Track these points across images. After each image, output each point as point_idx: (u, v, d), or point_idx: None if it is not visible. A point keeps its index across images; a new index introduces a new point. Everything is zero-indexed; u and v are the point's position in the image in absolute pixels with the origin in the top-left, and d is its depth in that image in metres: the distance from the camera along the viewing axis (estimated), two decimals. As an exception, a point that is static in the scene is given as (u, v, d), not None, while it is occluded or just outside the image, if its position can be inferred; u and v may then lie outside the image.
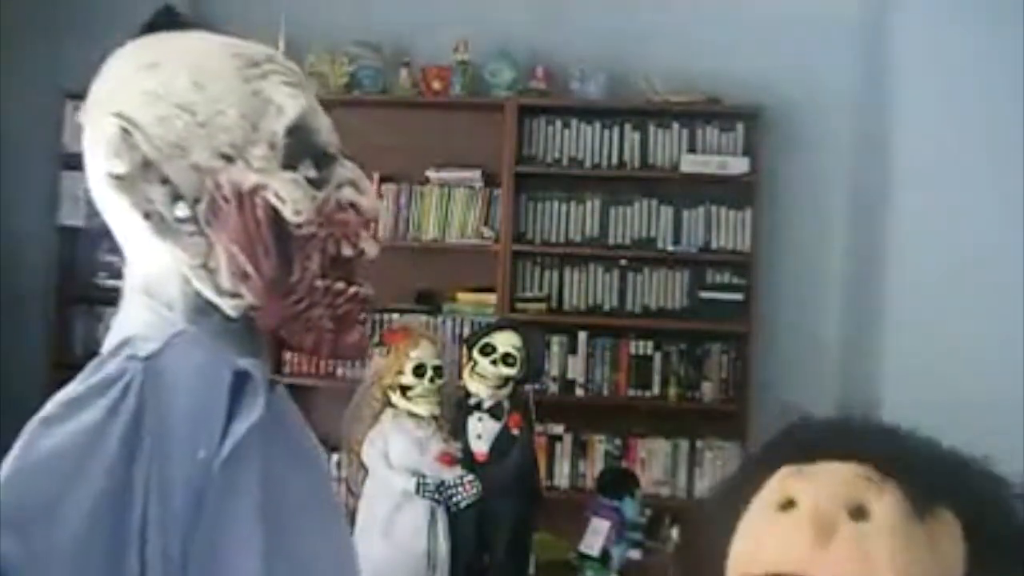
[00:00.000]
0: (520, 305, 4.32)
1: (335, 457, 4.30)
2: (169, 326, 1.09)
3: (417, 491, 2.93)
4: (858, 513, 0.65)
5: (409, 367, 3.00)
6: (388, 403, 3.03)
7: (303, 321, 1.12)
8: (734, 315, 4.22)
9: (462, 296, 4.40)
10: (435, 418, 3.03)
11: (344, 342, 1.15)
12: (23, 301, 4.54)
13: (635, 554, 3.26)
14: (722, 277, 4.35)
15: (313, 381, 4.42)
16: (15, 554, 0.96)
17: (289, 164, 1.09)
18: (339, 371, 4.41)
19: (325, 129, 1.14)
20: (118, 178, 1.08)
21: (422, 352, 3.02)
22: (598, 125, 4.38)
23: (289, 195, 1.07)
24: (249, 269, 1.08)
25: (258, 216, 1.07)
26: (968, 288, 3.68)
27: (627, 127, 4.37)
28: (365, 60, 4.39)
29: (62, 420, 1.02)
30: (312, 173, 1.11)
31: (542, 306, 4.35)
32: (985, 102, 3.72)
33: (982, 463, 0.70)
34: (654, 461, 4.32)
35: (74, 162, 5.39)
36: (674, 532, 3.40)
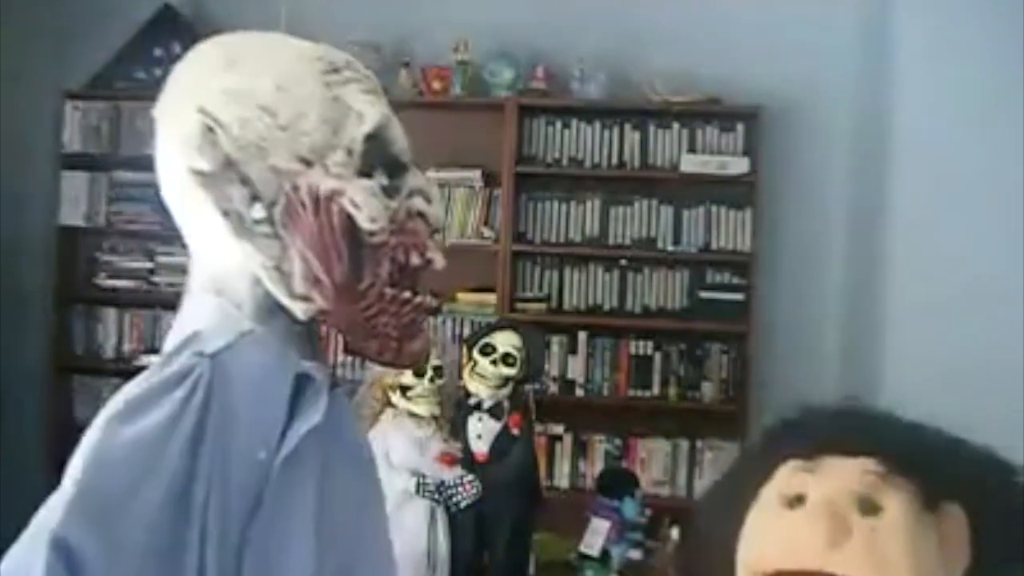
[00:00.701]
0: (520, 305, 4.32)
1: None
2: (236, 325, 1.10)
3: (417, 491, 2.93)
4: (869, 509, 0.65)
5: (409, 367, 3.00)
6: (388, 403, 3.03)
7: (370, 328, 1.13)
8: (734, 315, 4.22)
9: (462, 296, 4.40)
10: (435, 418, 3.03)
11: (407, 350, 1.16)
12: (23, 301, 4.54)
13: (635, 554, 3.26)
14: (722, 277, 4.35)
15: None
16: (91, 546, 0.97)
17: (365, 172, 1.10)
18: (339, 371, 4.41)
19: (400, 138, 1.15)
20: (200, 174, 1.08)
21: (422, 352, 3.02)
22: (598, 125, 4.38)
23: (365, 202, 1.08)
24: (322, 274, 1.09)
25: (333, 222, 1.08)
26: (968, 288, 3.68)
27: (627, 127, 4.37)
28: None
29: (135, 415, 1.03)
30: (385, 181, 1.12)
31: (542, 306, 4.35)
32: (985, 102, 3.72)
33: (987, 451, 0.70)
34: (654, 461, 4.33)
35: (74, 162, 5.38)
36: (674, 532, 3.39)
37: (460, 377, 3.16)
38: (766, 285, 4.26)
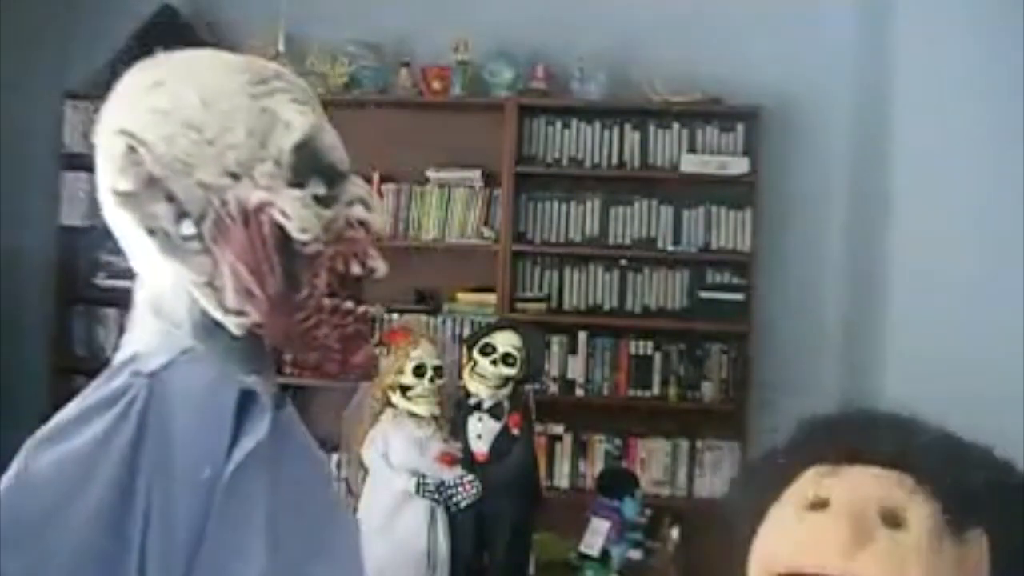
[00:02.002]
0: (520, 305, 4.32)
1: (335, 457, 4.31)
2: (176, 343, 1.09)
3: (417, 491, 2.93)
4: (892, 520, 0.64)
5: (409, 367, 2.99)
6: (388, 403, 3.03)
7: (309, 339, 1.11)
8: (734, 315, 4.22)
9: (462, 296, 4.40)
10: (435, 418, 3.03)
11: (351, 362, 1.14)
12: (23, 301, 4.54)
13: (635, 554, 3.26)
14: (722, 277, 4.35)
15: (313, 381, 4.41)
16: (13, 569, 0.96)
17: (297, 182, 1.09)
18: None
19: (334, 146, 1.14)
20: (123, 195, 1.08)
21: (422, 352, 3.02)
22: (598, 125, 4.38)
23: (295, 213, 1.07)
24: (254, 287, 1.07)
25: (264, 234, 1.07)
26: (968, 288, 3.68)
27: (627, 127, 4.37)
28: (365, 60, 4.39)
29: (64, 436, 1.03)
30: (321, 191, 1.11)
31: (542, 306, 4.35)
32: (985, 102, 3.72)
33: (1013, 470, 0.69)
34: (654, 461, 4.32)
35: (74, 162, 5.38)
36: (674, 532, 3.39)
37: (460, 377, 3.16)
38: (766, 285, 4.26)
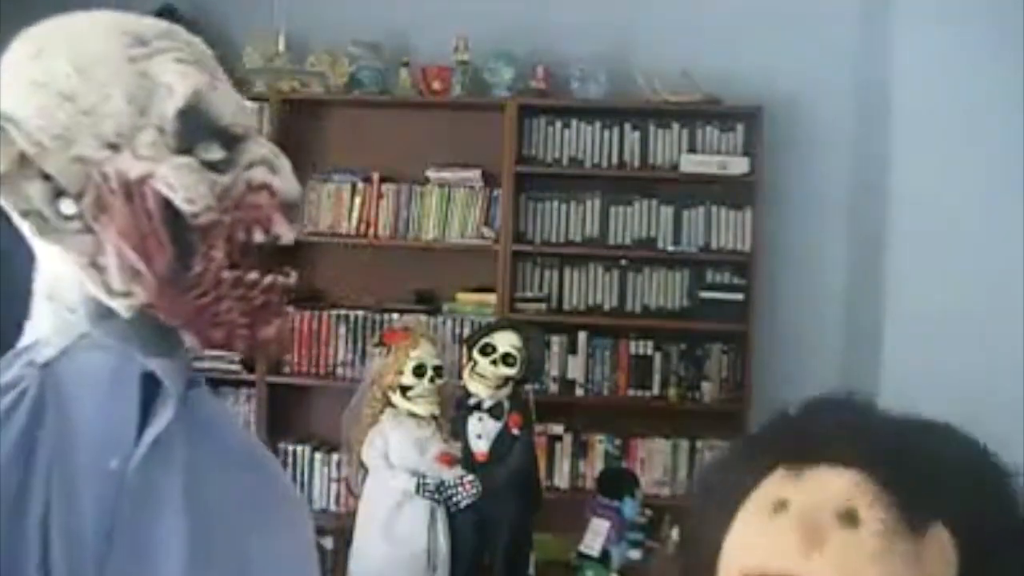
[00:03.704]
0: (520, 305, 4.32)
1: (335, 457, 4.31)
2: (72, 330, 1.03)
3: (417, 491, 2.93)
4: (848, 521, 0.64)
5: (409, 367, 3.00)
6: (388, 403, 3.03)
7: (209, 316, 1.03)
8: (734, 315, 4.22)
9: (462, 296, 4.40)
10: (435, 418, 3.03)
11: (259, 336, 1.06)
12: (24, 301, 4.53)
13: (635, 554, 3.26)
14: (722, 277, 4.35)
15: (313, 381, 4.42)
16: None
17: (184, 148, 1.00)
18: (339, 371, 4.41)
19: (228, 107, 1.04)
20: None
21: (422, 352, 3.02)
22: (598, 125, 4.38)
23: (181, 182, 0.99)
24: (140, 266, 0.99)
25: (148, 207, 0.99)
26: (969, 287, 3.68)
27: (627, 127, 4.37)
28: (365, 60, 4.39)
29: None
30: (215, 155, 1.02)
31: (542, 306, 4.35)
32: (986, 102, 3.72)
33: (984, 460, 0.69)
34: (654, 461, 4.32)
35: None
36: (674, 532, 3.39)
37: (460, 377, 3.16)
38: (766, 285, 4.26)
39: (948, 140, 3.76)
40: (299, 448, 4.41)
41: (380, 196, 4.39)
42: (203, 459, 1.05)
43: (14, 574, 0.95)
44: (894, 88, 3.96)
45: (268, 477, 1.16)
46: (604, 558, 3.11)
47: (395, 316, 4.26)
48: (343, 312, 4.41)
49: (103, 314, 1.03)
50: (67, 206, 1.00)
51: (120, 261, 0.99)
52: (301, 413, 4.52)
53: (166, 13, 4.39)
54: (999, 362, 3.54)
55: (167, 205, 0.99)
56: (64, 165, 0.99)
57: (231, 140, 1.03)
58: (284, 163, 1.07)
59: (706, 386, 4.30)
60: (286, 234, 1.05)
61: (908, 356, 3.77)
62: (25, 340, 1.06)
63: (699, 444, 4.31)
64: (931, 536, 0.65)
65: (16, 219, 1.03)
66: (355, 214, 4.39)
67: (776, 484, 0.68)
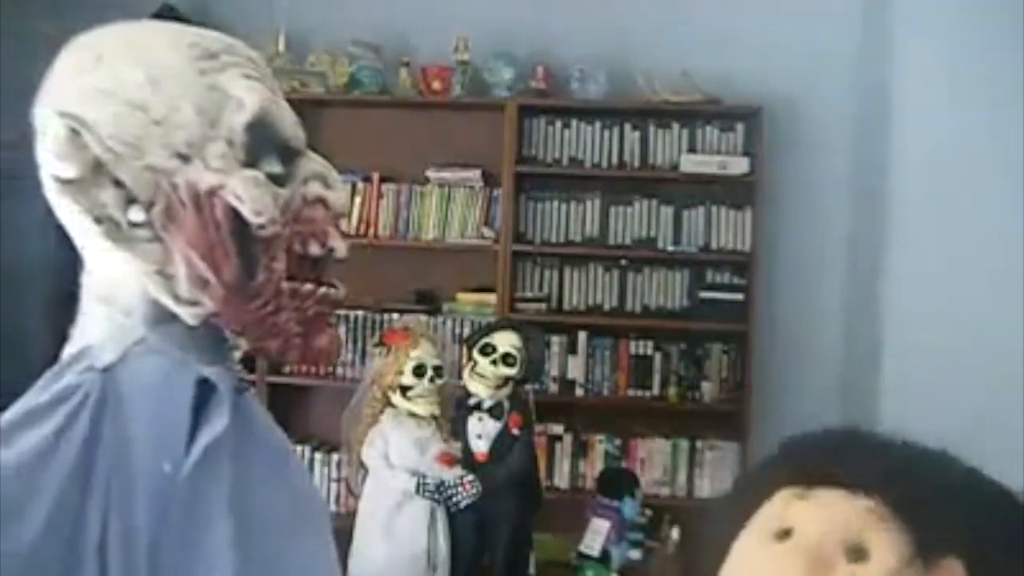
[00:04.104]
0: (520, 305, 4.32)
1: (335, 457, 4.31)
2: (128, 335, 1.04)
3: (417, 491, 2.93)
4: (856, 554, 0.61)
5: (409, 367, 3.00)
6: (388, 403, 3.03)
7: (269, 326, 1.05)
8: (734, 315, 4.22)
9: (462, 296, 4.40)
10: (435, 418, 3.03)
11: (313, 346, 1.09)
12: (23, 301, 4.54)
13: (635, 554, 3.26)
14: (722, 277, 4.35)
15: (313, 381, 4.42)
16: None
17: (250, 161, 1.03)
18: (339, 371, 4.41)
19: (288, 122, 1.08)
20: (68, 183, 1.01)
21: (422, 352, 3.02)
22: (598, 125, 4.38)
23: (248, 194, 1.01)
24: (208, 275, 1.01)
25: (217, 218, 1.01)
26: (969, 287, 3.68)
27: (627, 127, 4.37)
28: (365, 60, 4.39)
29: (16, 432, 0.98)
30: (276, 169, 1.05)
31: (542, 306, 4.35)
32: (986, 102, 3.72)
33: (998, 492, 0.65)
34: (654, 461, 4.32)
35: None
36: (674, 532, 3.40)
37: (460, 377, 3.16)
38: (766, 285, 4.26)
39: (948, 140, 3.76)
40: (299, 448, 4.41)
41: (380, 196, 4.39)
42: (249, 465, 1.06)
43: None
44: (894, 88, 3.96)
45: (305, 484, 1.19)
46: (604, 558, 3.11)
47: (395, 316, 4.26)
48: (343, 312, 4.41)
49: (159, 319, 1.04)
50: (136, 213, 1.01)
51: (189, 270, 1.01)
52: (301, 413, 4.52)
53: (166, 13, 4.39)
54: (999, 361, 3.54)
55: (235, 216, 1.01)
56: (136, 173, 1.00)
57: (290, 155, 1.07)
58: (336, 178, 1.11)
59: (706, 386, 4.30)
60: (340, 247, 1.09)
61: (908, 357, 3.77)
62: (75, 344, 1.06)
63: (699, 444, 4.31)
64: (942, 569, 0.61)
65: (79, 224, 1.04)
66: (355, 214, 4.39)
67: (779, 509, 0.65)
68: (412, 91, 4.38)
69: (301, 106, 4.53)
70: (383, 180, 4.40)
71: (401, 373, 3.00)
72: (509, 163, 4.29)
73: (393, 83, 4.41)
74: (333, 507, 4.36)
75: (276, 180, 1.04)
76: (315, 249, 1.08)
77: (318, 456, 4.40)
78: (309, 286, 1.07)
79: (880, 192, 4.02)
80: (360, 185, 4.40)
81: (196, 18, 4.33)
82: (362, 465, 3.04)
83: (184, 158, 1.01)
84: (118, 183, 1.01)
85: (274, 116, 1.05)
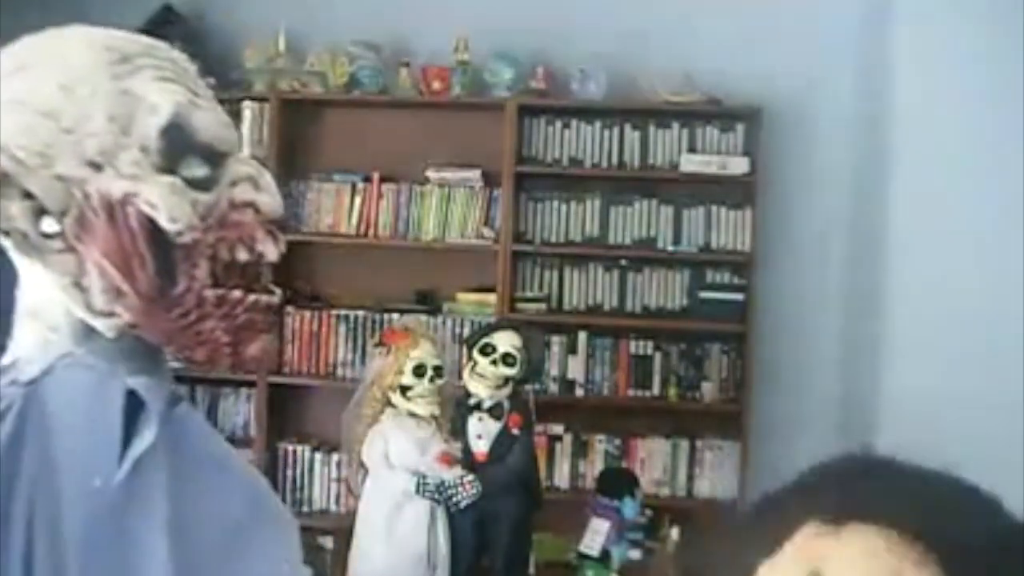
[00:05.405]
0: (520, 305, 4.32)
1: (335, 457, 4.31)
2: (54, 349, 1.02)
3: (417, 491, 2.93)
4: None
5: (409, 367, 3.00)
6: (388, 403, 3.03)
7: (192, 335, 1.03)
8: (734, 315, 4.22)
9: (462, 296, 4.40)
10: (435, 418, 3.03)
11: (243, 354, 1.06)
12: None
13: (635, 554, 3.26)
14: (722, 277, 4.35)
15: (313, 381, 4.42)
16: None
17: (168, 166, 1.00)
18: (339, 371, 4.41)
19: (211, 124, 1.03)
20: None
21: (422, 352, 3.02)
22: (598, 125, 4.38)
23: (164, 201, 0.98)
24: (123, 285, 0.99)
25: (131, 226, 0.98)
26: (969, 287, 3.68)
27: (627, 127, 4.37)
28: (365, 60, 4.39)
29: None
30: (199, 173, 1.02)
31: (542, 306, 4.35)
32: (985, 102, 3.72)
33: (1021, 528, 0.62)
34: (654, 461, 4.32)
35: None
36: (674, 532, 3.40)
37: (460, 377, 3.16)
38: (766, 285, 4.26)
39: (948, 140, 3.76)
40: (299, 448, 4.41)
41: (380, 196, 4.39)
42: (185, 476, 1.04)
43: None
44: (894, 88, 3.96)
45: (254, 496, 1.15)
46: (604, 558, 3.11)
47: (395, 316, 4.26)
48: (343, 312, 4.41)
49: (87, 333, 1.02)
50: (48, 225, 0.99)
51: (103, 281, 0.99)
52: (301, 413, 4.52)
53: (166, 13, 4.39)
54: (999, 360, 3.54)
55: (150, 224, 0.99)
56: (46, 183, 0.98)
57: (215, 157, 1.03)
58: (268, 180, 1.07)
59: (706, 386, 4.30)
60: (270, 252, 1.05)
61: (908, 357, 3.77)
62: (6, 358, 1.05)
63: (699, 444, 4.31)
64: None
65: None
66: (355, 214, 4.39)
67: (807, 546, 0.62)
68: (412, 91, 4.38)
69: (301, 106, 4.56)
70: (383, 180, 4.40)
71: (401, 373, 3.00)
72: (509, 163, 4.29)
73: (393, 83, 4.41)
74: (333, 507, 4.36)
75: (198, 184, 1.01)
76: (243, 255, 1.04)
77: (318, 456, 4.40)
78: (237, 293, 1.04)
79: (880, 192, 4.02)
80: (360, 185, 4.40)
81: (195, 19, 4.33)
82: (362, 465, 3.04)
83: (96, 166, 0.98)
84: (27, 194, 0.98)
85: (192, 118, 1.02)
